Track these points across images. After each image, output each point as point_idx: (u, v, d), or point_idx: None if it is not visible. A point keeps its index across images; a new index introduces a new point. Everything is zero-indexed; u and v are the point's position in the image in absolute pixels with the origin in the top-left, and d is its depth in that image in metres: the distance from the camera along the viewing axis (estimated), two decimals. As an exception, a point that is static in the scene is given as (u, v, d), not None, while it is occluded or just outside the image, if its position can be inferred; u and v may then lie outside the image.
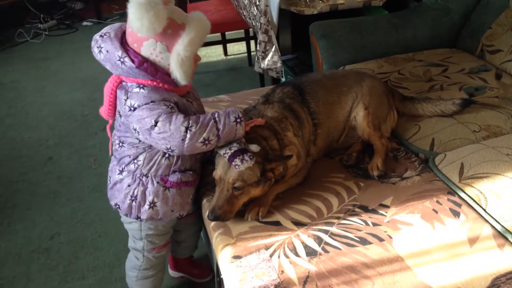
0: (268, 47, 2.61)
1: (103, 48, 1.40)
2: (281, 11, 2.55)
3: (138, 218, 1.57)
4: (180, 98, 1.47)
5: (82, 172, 2.80)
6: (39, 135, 3.21)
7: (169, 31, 1.35)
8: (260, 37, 2.60)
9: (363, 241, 1.40)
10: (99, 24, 5.10)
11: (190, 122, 1.38)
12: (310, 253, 1.37)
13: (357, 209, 1.53)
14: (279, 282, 1.29)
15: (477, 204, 1.50)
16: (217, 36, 4.00)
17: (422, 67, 2.28)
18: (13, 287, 2.09)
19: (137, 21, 1.29)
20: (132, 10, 1.29)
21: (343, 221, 1.48)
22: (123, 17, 5.21)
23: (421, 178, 1.64)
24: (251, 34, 3.82)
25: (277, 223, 1.49)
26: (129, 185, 1.53)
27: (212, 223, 1.51)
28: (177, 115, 1.38)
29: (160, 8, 1.30)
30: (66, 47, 4.62)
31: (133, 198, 1.54)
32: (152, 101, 1.39)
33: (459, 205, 1.52)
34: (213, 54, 4.29)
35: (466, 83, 2.11)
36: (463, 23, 2.54)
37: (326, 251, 1.37)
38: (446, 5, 2.56)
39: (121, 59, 1.38)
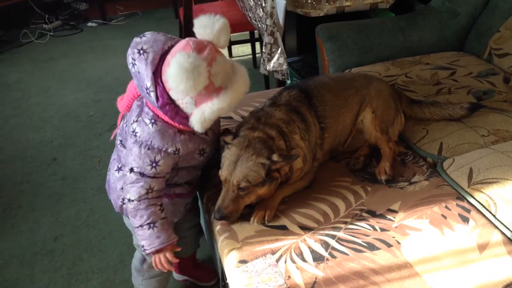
0: (274, 49, 2.60)
1: (136, 66, 1.35)
2: (287, 13, 2.53)
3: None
4: (189, 137, 1.43)
5: (86, 173, 2.80)
6: (44, 136, 3.20)
7: (203, 92, 1.30)
8: (266, 39, 2.59)
9: (371, 247, 1.39)
10: (104, 25, 5.11)
11: (135, 202, 1.43)
12: (317, 258, 1.36)
13: (364, 214, 1.51)
14: (286, 288, 1.27)
15: (487, 210, 1.48)
16: (222, 37, 3.99)
17: (429, 70, 2.27)
18: (17, 288, 2.09)
19: (174, 83, 1.26)
20: (173, 71, 1.24)
21: (350, 226, 1.47)
22: (128, 18, 5.21)
23: (430, 183, 1.63)
24: (256, 36, 3.81)
25: (283, 228, 1.47)
26: (122, 188, 1.52)
27: (218, 227, 1.50)
28: (141, 186, 1.41)
29: (202, 79, 1.25)
30: (71, 47, 4.62)
31: (125, 202, 1.52)
32: (150, 146, 1.38)
33: (468, 211, 1.50)
34: (218, 55, 4.28)
35: (474, 87, 2.09)
36: (471, 26, 2.52)
37: (333, 257, 1.36)
38: (453, 8, 2.54)
39: (148, 90, 1.34)
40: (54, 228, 2.40)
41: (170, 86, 1.29)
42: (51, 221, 2.45)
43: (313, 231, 1.45)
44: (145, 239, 1.48)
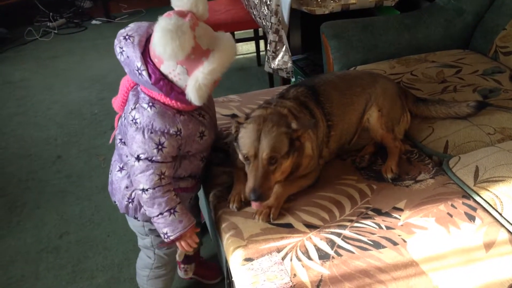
0: (278, 47, 2.59)
1: (125, 52, 1.36)
2: (291, 11, 2.53)
3: (136, 218, 1.58)
4: (188, 118, 1.43)
5: (91, 171, 2.80)
6: (48, 134, 3.21)
7: (192, 57, 1.29)
8: (271, 37, 2.59)
9: (377, 245, 1.38)
10: (108, 23, 5.11)
11: (150, 191, 1.42)
12: (323, 256, 1.35)
13: (370, 212, 1.51)
14: (291, 286, 1.27)
15: (493, 208, 1.48)
16: (226, 35, 3.98)
17: (435, 68, 2.26)
18: (22, 286, 2.09)
19: (160, 47, 1.24)
20: (158, 34, 1.24)
21: (356, 224, 1.46)
22: (132, 16, 5.21)
23: (435, 181, 1.62)
24: (260, 33, 3.80)
25: (289, 226, 1.47)
26: (127, 187, 1.52)
27: (223, 225, 1.50)
28: (152, 172, 1.40)
29: (187, 38, 1.25)
30: (75, 45, 4.63)
31: (130, 200, 1.53)
32: (152, 129, 1.37)
33: (475, 209, 1.49)
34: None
35: (480, 85, 2.08)
36: (476, 24, 2.51)
37: (339, 255, 1.36)
38: (459, 5, 2.53)
39: (139, 71, 1.34)
40: (59, 225, 2.41)
41: (158, 52, 1.27)
42: (56, 219, 2.45)
43: (318, 229, 1.45)
44: (167, 225, 1.47)
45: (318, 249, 1.38)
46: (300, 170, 1.59)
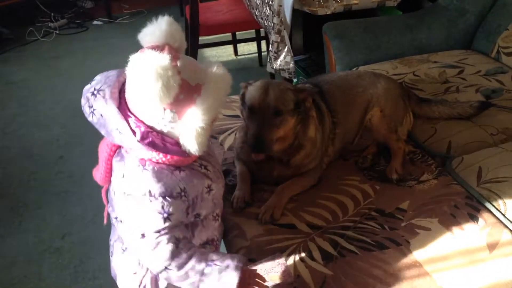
0: (280, 48, 2.59)
1: (96, 110, 1.10)
2: (293, 11, 2.53)
3: None
4: (190, 173, 1.18)
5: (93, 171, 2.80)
6: (50, 134, 3.21)
7: (181, 96, 1.06)
8: (273, 37, 2.59)
9: (380, 246, 1.38)
10: (110, 23, 5.11)
11: (174, 263, 1.12)
12: (326, 257, 1.35)
13: (373, 213, 1.51)
14: (295, 287, 1.27)
15: (496, 209, 1.48)
16: (227, 36, 3.99)
17: (437, 68, 2.26)
18: (25, 286, 2.09)
19: (140, 93, 1.04)
20: (134, 79, 1.04)
21: (359, 225, 1.46)
22: (133, 16, 5.21)
23: (438, 182, 1.62)
24: (262, 34, 3.80)
25: (292, 226, 1.47)
26: (135, 273, 1.26)
27: (227, 225, 1.49)
28: (166, 242, 1.11)
29: (170, 74, 1.02)
30: (77, 46, 4.62)
31: (142, 287, 1.27)
32: (151, 197, 1.10)
33: (478, 210, 1.49)
34: (223, 54, 4.28)
35: (482, 85, 2.08)
36: (479, 24, 2.50)
37: (342, 255, 1.35)
38: (461, 6, 2.52)
39: (119, 129, 1.09)
40: (61, 226, 2.41)
41: (138, 101, 1.07)
42: (58, 219, 2.45)
43: (321, 230, 1.45)
44: (217, 282, 1.13)
45: (321, 250, 1.37)
46: (302, 155, 1.58)
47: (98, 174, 1.26)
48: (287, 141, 1.53)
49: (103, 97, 1.09)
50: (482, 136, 1.78)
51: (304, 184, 1.62)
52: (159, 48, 1.07)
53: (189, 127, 1.08)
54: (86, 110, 1.13)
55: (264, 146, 1.43)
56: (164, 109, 1.06)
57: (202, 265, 1.13)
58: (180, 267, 1.13)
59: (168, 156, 1.12)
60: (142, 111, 1.09)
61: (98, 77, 1.14)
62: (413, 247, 1.37)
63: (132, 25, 5.04)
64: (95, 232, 2.35)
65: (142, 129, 1.08)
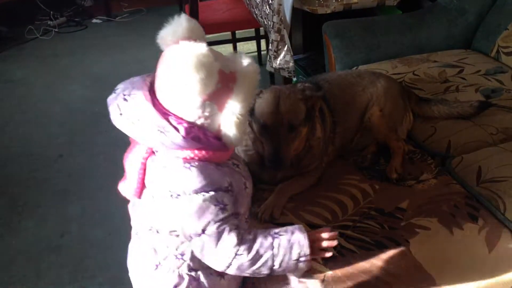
0: (280, 47, 2.59)
1: (131, 115, 1.06)
2: (293, 10, 2.53)
3: None
4: (230, 170, 1.16)
5: (92, 170, 2.80)
6: (49, 133, 3.20)
7: (219, 86, 1.04)
8: (273, 36, 2.58)
9: (380, 245, 1.38)
10: (109, 22, 5.10)
11: (242, 247, 1.08)
12: (326, 256, 1.35)
13: (373, 212, 1.51)
14: (294, 286, 1.27)
15: (496, 208, 1.48)
16: (227, 34, 3.98)
17: (437, 68, 2.26)
18: (23, 285, 2.09)
19: (181, 86, 1.00)
20: (173, 72, 1.01)
21: (358, 224, 1.46)
22: (132, 15, 5.21)
23: (438, 181, 1.62)
24: (262, 33, 3.80)
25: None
26: (176, 286, 1.20)
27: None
28: (229, 230, 1.08)
29: (211, 61, 1.00)
30: (76, 44, 4.62)
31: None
32: (203, 190, 1.07)
33: (477, 210, 1.49)
34: (223, 52, 4.24)
35: (482, 85, 2.08)
36: (479, 23, 2.50)
37: (342, 255, 1.35)
38: (461, 5, 2.52)
39: (161, 129, 1.04)
40: (60, 224, 2.40)
41: (177, 95, 1.04)
42: (57, 218, 2.45)
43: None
44: (290, 249, 1.10)
45: (321, 249, 1.37)
46: (310, 156, 1.59)
47: (127, 187, 1.18)
48: (300, 147, 1.56)
49: (136, 100, 1.06)
50: (481, 136, 1.78)
51: (304, 183, 1.62)
52: (186, 40, 1.05)
53: (230, 117, 1.06)
54: (116, 117, 1.09)
55: (283, 163, 1.45)
56: (203, 102, 1.04)
57: (269, 239, 1.11)
58: (249, 248, 1.09)
59: (209, 152, 1.09)
60: (181, 108, 1.06)
61: (121, 85, 1.12)
62: (412, 246, 1.37)
63: (131, 23, 5.04)
64: (94, 231, 2.34)
65: (185, 125, 1.05)
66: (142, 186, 1.15)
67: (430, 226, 1.44)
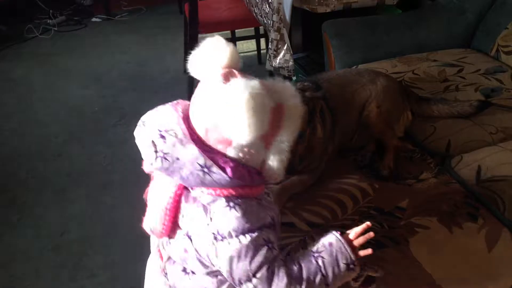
0: (280, 46, 2.59)
1: (168, 154, 0.95)
2: (293, 9, 2.52)
3: None
4: (267, 202, 1.08)
5: (92, 169, 2.79)
6: (49, 131, 3.20)
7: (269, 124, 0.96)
8: (272, 35, 2.58)
9: (379, 244, 1.38)
10: (108, 21, 5.10)
11: (293, 282, 1.01)
12: (325, 255, 1.35)
13: (372, 211, 1.51)
14: (294, 285, 1.26)
15: (495, 208, 1.47)
16: (226, 33, 3.98)
17: (436, 67, 2.25)
18: (22, 284, 2.09)
19: (234, 127, 0.91)
20: (226, 111, 0.90)
21: (358, 223, 1.46)
22: (132, 13, 5.20)
23: (437, 180, 1.62)
24: (261, 32, 3.80)
25: (291, 225, 1.47)
26: None
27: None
28: (278, 269, 1.00)
29: (266, 101, 0.91)
30: (75, 43, 4.62)
31: None
32: (250, 231, 0.98)
33: (477, 209, 1.49)
34: (223, 52, 4.27)
35: (482, 84, 2.08)
36: (478, 23, 2.50)
37: (341, 254, 1.35)
38: (461, 4, 2.52)
39: (206, 169, 0.95)
40: (59, 223, 2.40)
41: (228, 135, 0.93)
42: (56, 217, 2.45)
43: (320, 228, 1.44)
44: (335, 261, 1.06)
45: (320, 248, 1.37)
46: (310, 158, 1.58)
47: (153, 225, 1.08)
48: (302, 150, 1.54)
49: (176, 137, 0.95)
50: (481, 135, 1.78)
51: (304, 183, 1.61)
52: (228, 72, 0.97)
53: (277, 154, 0.98)
54: (150, 156, 0.97)
55: (294, 170, 1.46)
56: (256, 137, 0.93)
57: (313, 262, 1.05)
58: (301, 281, 1.02)
59: (251, 189, 1.00)
60: (227, 147, 0.96)
61: (150, 117, 1.00)
62: (412, 245, 1.37)
63: (131, 22, 5.04)
64: (93, 230, 2.34)
65: (231, 164, 0.95)
66: (173, 225, 1.05)
67: (430, 225, 1.44)
